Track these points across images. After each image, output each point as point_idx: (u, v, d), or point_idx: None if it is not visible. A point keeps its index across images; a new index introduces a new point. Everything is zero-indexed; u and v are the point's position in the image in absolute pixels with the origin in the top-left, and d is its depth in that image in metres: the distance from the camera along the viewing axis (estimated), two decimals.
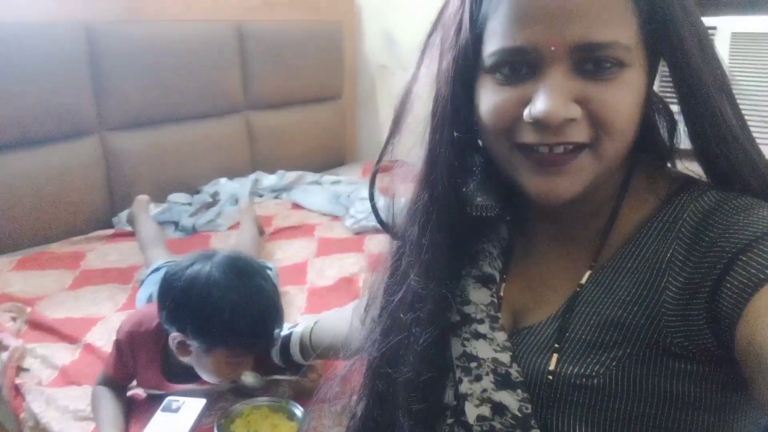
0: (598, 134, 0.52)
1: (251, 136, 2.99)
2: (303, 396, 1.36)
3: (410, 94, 0.64)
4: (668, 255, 0.54)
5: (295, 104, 3.17)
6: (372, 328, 0.69)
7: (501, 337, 0.61)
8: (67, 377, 1.46)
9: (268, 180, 2.87)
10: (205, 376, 1.29)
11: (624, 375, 0.53)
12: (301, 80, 3.12)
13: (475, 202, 0.64)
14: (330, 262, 2.09)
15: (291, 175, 2.89)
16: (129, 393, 1.40)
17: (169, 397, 1.33)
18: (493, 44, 0.53)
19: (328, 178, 2.89)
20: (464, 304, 0.65)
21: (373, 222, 2.30)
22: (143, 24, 2.50)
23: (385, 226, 0.70)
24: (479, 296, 0.65)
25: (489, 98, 0.55)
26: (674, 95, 0.57)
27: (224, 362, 1.24)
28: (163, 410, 1.30)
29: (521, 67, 0.52)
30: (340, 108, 3.39)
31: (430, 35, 0.62)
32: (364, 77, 3.53)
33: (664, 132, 0.64)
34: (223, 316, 1.16)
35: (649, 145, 0.63)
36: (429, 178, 0.62)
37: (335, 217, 2.50)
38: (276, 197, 2.79)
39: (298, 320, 1.74)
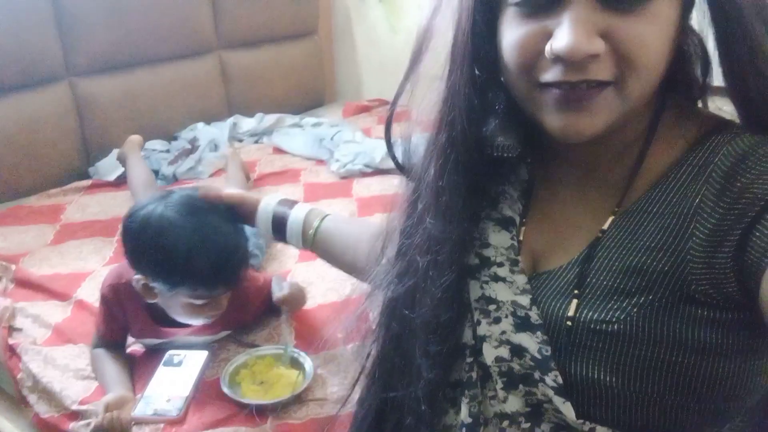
0: (623, 71, 0.50)
1: (226, 77, 2.89)
2: (297, 308, 1.41)
3: (430, 30, 0.61)
4: (697, 200, 0.53)
5: (269, 41, 3.05)
6: (387, 270, 0.68)
7: (521, 280, 0.60)
8: (63, 336, 1.44)
9: (247, 123, 2.79)
10: (178, 318, 1.29)
11: (645, 321, 0.52)
12: (274, 15, 3.00)
13: (495, 142, 0.62)
14: (319, 209, 2.05)
15: (270, 118, 2.81)
16: (128, 350, 1.38)
17: (170, 351, 1.32)
18: None
19: (308, 120, 2.81)
20: (483, 247, 0.64)
21: (359, 166, 2.27)
22: None
23: (402, 169, 0.68)
24: (499, 239, 0.63)
25: (512, 33, 0.53)
26: (711, 26, 0.54)
27: (188, 303, 1.23)
28: (165, 365, 1.30)
29: None
30: (315, 45, 3.28)
31: None
32: (339, 11, 3.40)
33: (696, 69, 0.62)
34: (178, 256, 1.14)
35: (680, 83, 0.61)
36: (447, 117, 0.59)
37: (320, 161, 2.45)
38: (256, 141, 2.72)
39: (292, 267, 1.73)
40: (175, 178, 2.32)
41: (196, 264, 1.15)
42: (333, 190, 2.20)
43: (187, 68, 2.71)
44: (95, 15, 2.32)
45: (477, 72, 0.57)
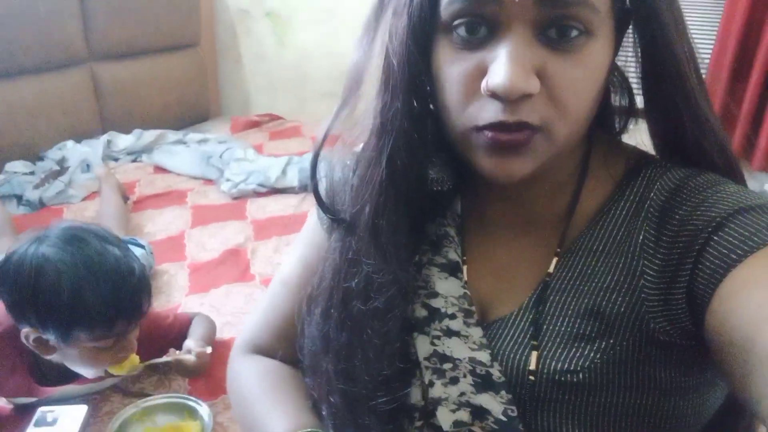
0: (553, 115, 0.48)
1: (98, 91, 2.67)
2: (190, 376, 1.24)
3: (364, 66, 0.56)
4: (640, 237, 0.53)
5: (147, 53, 2.86)
6: (323, 326, 0.61)
7: (477, 333, 0.56)
8: None
9: (124, 141, 2.58)
10: (83, 372, 1.13)
11: (609, 368, 0.51)
12: (152, 26, 2.82)
13: (428, 175, 0.60)
14: (210, 233, 1.92)
15: (150, 135, 2.61)
16: None
17: (42, 408, 1.15)
18: None
19: (193, 136, 2.65)
20: (430, 297, 0.59)
21: (253, 185, 2.15)
22: None
23: (327, 209, 0.61)
24: (448, 287, 0.59)
25: (448, 69, 0.50)
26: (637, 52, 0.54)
27: (93, 350, 1.07)
28: (37, 425, 1.13)
29: (479, 25, 0.47)
30: (198, 57, 3.12)
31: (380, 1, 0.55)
32: (223, 23, 3.26)
33: (619, 103, 0.61)
34: (63, 295, 1.00)
35: (605, 120, 0.61)
36: (386, 153, 0.55)
37: (208, 181, 2.30)
38: (135, 160, 2.52)
39: (182, 301, 1.59)
40: (42, 204, 2.09)
41: (86, 299, 1.00)
42: (225, 212, 2.06)
43: (54, 82, 2.47)
44: None
45: (415, 104, 0.53)
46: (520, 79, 0.45)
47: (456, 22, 0.48)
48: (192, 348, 1.22)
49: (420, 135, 0.55)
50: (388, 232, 0.56)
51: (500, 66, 0.45)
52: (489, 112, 0.48)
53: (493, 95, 0.46)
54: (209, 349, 1.24)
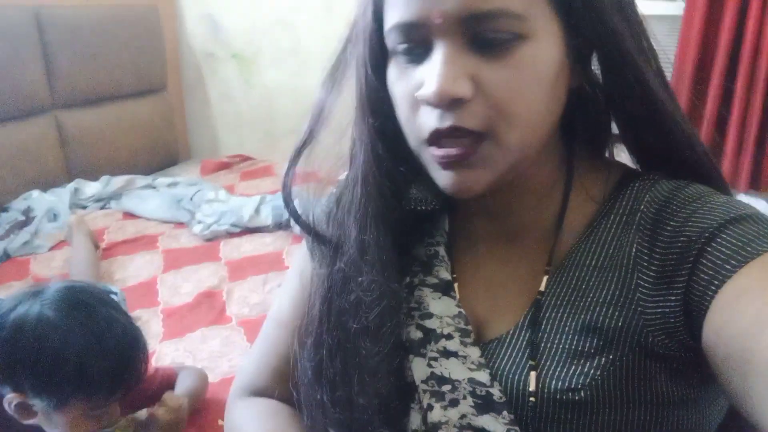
0: (496, 121, 0.48)
1: (63, 139, 2.62)
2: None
3: (329, 102, 0.58)
4: (633, 250, 0.52)
5: (113, 99, 2.83)
6: (315, 354, 0.60)
7: (475, 353, 0.55)
8: None
9: (91, 188, 2.52)
10: None
11: (610, 384, 0.50)
12: (117, 72, 2.80)
13: (410, 194, 0.60)
14: (183, 277, 1.88)
15: (118, 181, 2.57)
16: None
17: None
18: (388, 22, 0.51)
19: (162, 180, 2.61)
20: (425, 318, 0.58)
21: (226, 225, 2.12)
22: None
23: (309, 230, 0.62)
24: (442, 307, 0.58)
25: (396, 85, 0.52)
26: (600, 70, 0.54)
27: (82, 417, 1.01)
28: None
29: (415, 45, 0.50)
30: (165, 101, 3.10)
31: (348, 35, 0.58)
32: (189, 66, 3.25)
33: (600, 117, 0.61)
34: (68, 365, 0.94)
35: (586, 132, 0.60)
36: (360, 171, 0.57)
37: (179, 224, 2.26)
38: (103, 207, 2.47)
39: (156, 348, 1.54)
40: (7, 255, 2.02)
41: (91, 371, 0.95)
42: (198, 255, 2.02)
43: (17, 130, 2.42)
44: None
45: (375, 122, 0.55)
46: (447, 83, 0.46)
47: (398, 47, 0.51)
48: (165, 400, 1.17)
49: (389, 151, 0.56)
50: (374, 247, 0.56)
51: (429, 74, 0.47)
52: (428, 121, 0.49)
53: (427, 103, 0.48)
54: (184, 401, 1.19)
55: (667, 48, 2.28)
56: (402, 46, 0.50)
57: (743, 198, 2.15)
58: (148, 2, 2.97)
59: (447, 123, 0.48)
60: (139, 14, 2.89)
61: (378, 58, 0.54)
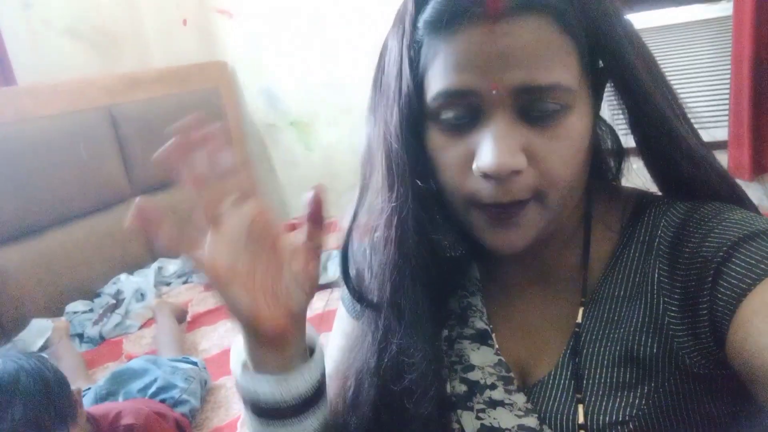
0: (543, 186, 0.50)
1: None
2: None
3: (371, 150, 0.58)
4: (656, 275, 0.53)
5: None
6: (362, 410, 0.60)
7: (520, 399, 0.56)
8: None
9: (173, 265, 2.68)
10: None
11: (657, 411, 0.50)
12: None
13: (441, 244, 0.60)
14: None
15: None
16: None
17: None
18: (434, 88, 0.51)
19: None
20: (467, 371, 0.59)
21: None
22: (3, 126, 2.28)
23: (354, 292, 0.61)
24: (482, 358, 0.59)
25: (440, 153, 0.53)
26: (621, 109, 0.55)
27: None
28: None
29: (464, 113, 0.50)
30: None
31: (374, 92, 0.59)
32: (252, 139, 3.43)
33: (611, 154, 0.62)
34: None
35: (599, 166, 0.62)
36: (396, 234, 0.56)
37: None
38: (185, 282, 2.60)
39: (242, 413, 1.58)
40: (102, 338, 2.16)
41: None
42: None
43: (103, 221, 2.61)
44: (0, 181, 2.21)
45: (420, 183, 0.55)
46: (507, 158, 0.47)
47: (443, 113, 0.51)
48: None
49: (427, 213, 0.56)
50: (411, 310, 0.56)
51: (487, 148, 0.48)
52: (484, 191, 0.50)
53: (485, 175, 0.49)
54: None
55: (721, 49, 2.21)
56: (450, 113, 0.51)
57: None
58: (209, 86, 3.17)
59: (509, 198, 0.49)
60: (201, 98, 3.09)
61: (415, 119, 0.54)
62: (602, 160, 0.62)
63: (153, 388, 1.55)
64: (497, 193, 0.49)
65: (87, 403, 1.29)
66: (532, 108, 0.48)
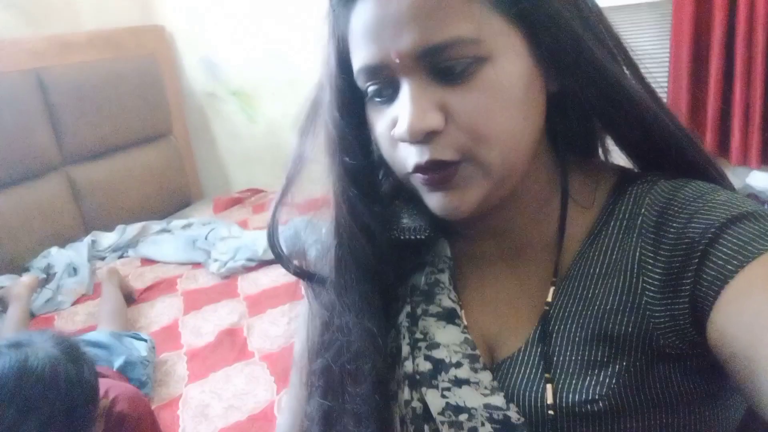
0: (472, 144, 0.49)
1: (76, 194, 2.67)
2: None
3: (303, 155, 0.59)
4: (637, 254, 0.52)
5: (121, 149, 2.89)
6: (309, 394, 0.60)
7: (486, 378, 0.55)
8: None
9: (107, 239, 2.56)
10: None
11: (627, 390, 0.50)
12: (122, 122, 2.85)
13: (401, 225, 0.60)
14: (204, 317, 1.89)
15: (133, 229, 2.60)
16: None
17: None
18: (355, 66, 0.52)
19: (177, 223, 2.64)
20: (432, 348, 0.57)
21: (242, 261, 2.13)
22: None
23: (288, 265, 0.61)
24: (448, 336, 0.58)
25: (375, 126, 0.54)
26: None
27: None
28: None
29: (385, 85, 0.51)
30: (172, 145, 3.15)
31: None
32: (192, 109, 3.30)
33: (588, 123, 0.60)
34: None
35: (575, 139, 0.60)
36: (333, 214, 0.58)
37: (196, 265, 2.28)
38: (121, 256, 2.50)
39: (183, 392, 1.54)
40: (32, 315, 2.05)
41: None
42: (216, 293, 2.03)
43: (31, 191, 2.48)
44: None
45: (351, 161, 0.56)
46: (417, 119, 0.47)
47: (369, 89, 0.52)
48: None
49: (360, 190, 0.57)
50: (351, 289, 0.57)
51: (400, 113, 0.48)
52: (408, 158, 0.50)
53: (402, 141, 0.49)
54: None
55: (662, 35, 2.27)
56: (372, 88, 0.51)
57: (758, 174, 2.12)
58: (145, 53, 3.03)
59: (426, 157, 0.49)
60: (138, 65, 2.96)
61: (347, 101, 0.55)
62: (579, 129, 0.61)
63: (116, 366, 1.49)
64: (420, 157, 0.49)
65: None
66: (440, 67, 0.48)
